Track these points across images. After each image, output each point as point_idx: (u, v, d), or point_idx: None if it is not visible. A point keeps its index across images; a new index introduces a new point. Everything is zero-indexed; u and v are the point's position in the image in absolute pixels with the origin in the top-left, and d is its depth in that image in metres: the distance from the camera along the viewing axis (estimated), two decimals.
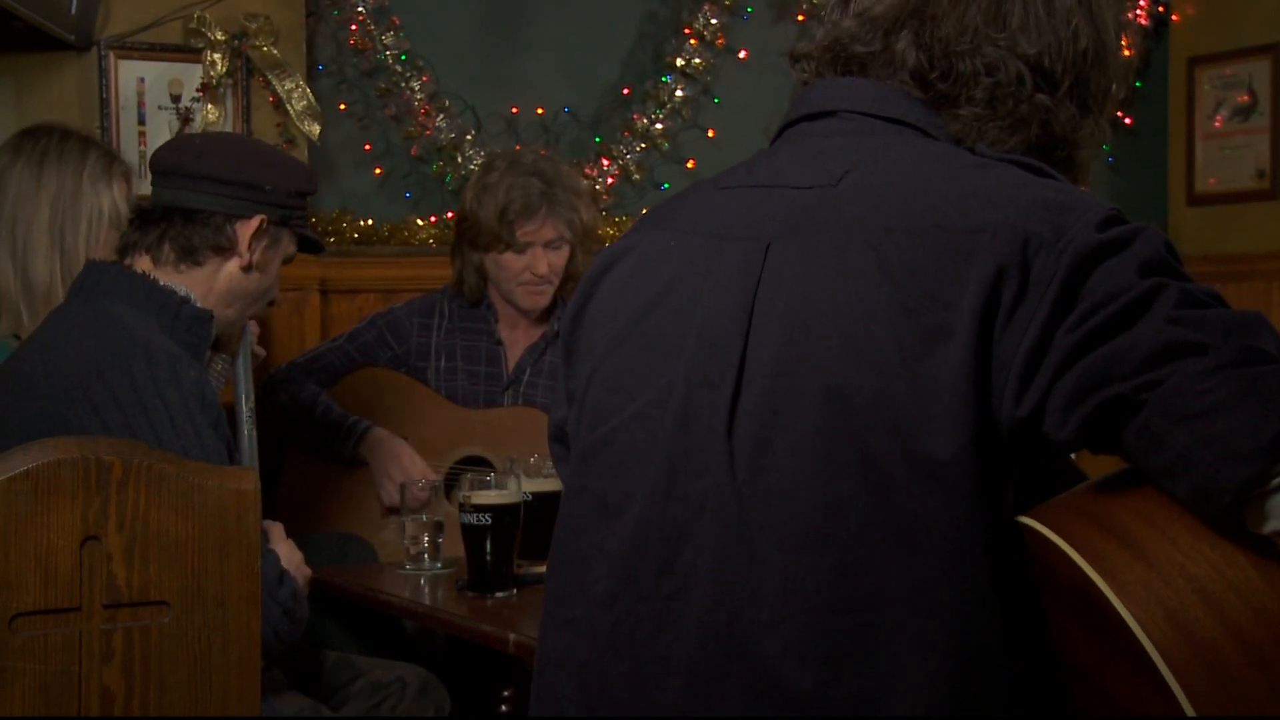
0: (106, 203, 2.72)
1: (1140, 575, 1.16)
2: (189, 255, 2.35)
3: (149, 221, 2.37)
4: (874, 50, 1.45)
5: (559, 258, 3.37)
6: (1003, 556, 1.26)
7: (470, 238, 3.40)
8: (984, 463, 1.25)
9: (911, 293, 1.28)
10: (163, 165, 2.39)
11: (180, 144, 2.45)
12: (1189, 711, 1.11)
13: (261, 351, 3.07)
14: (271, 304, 2.57)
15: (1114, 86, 1.48)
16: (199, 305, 2.33)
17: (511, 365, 3.43)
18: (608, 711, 1.39)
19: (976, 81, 1.41)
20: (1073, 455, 1.38)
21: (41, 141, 2.74)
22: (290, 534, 2.35)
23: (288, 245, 2.46)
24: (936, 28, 1.42)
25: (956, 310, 1.25)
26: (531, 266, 3.34)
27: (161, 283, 2.31)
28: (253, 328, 3.00)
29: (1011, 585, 1.27)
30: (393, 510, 3.18)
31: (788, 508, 1.30)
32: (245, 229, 2.37)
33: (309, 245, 2.54)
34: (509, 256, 3.35)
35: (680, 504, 1.37)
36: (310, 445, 3.31)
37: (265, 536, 2.17)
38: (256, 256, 2.39)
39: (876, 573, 1.26)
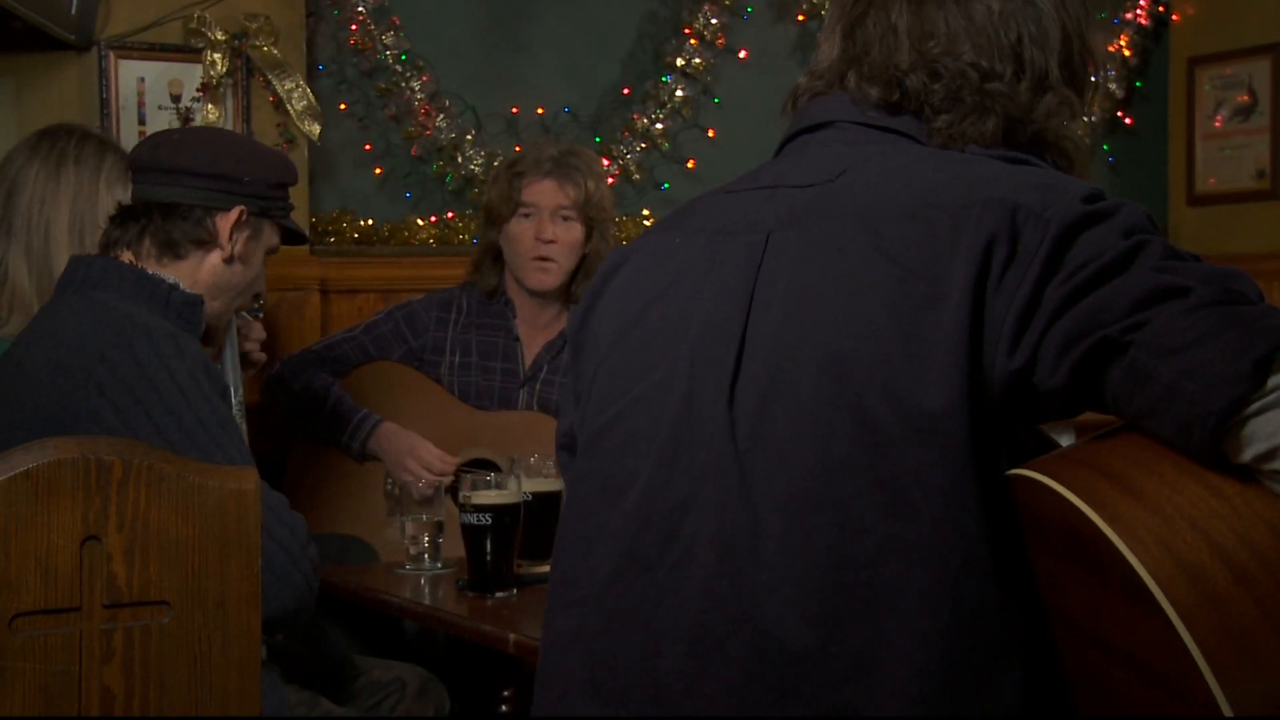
0: None
1: (1130, 507, 1.22)
2: (170, 249, 2.34)
3: (129, 218, 2.37)
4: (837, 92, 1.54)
5: (567, 231, 3.34)
6: (997, 516, 1.30)
7: (487, 211, 3.42)
8: (976, 419, 1.29)
9: (907, 268, 1.34)
10: (140, 161, 2.39)
11: (158, 140, 2.44)
12: (1180, 629, 1.17)
13: (262, 357, 3.05)
14: (259, 300, 2.56)
15: (1064, 53, 1.52)
16: (188, 291, 2.33)
17: (528, 362, 3.42)
18: (614, 687, 1.41)
19: (929, 90, 1.48)
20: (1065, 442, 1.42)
21: (59, 143, 2.73)
22: None
23: (270, 236, 2.45)
24: (872, 60, 1.51)
25: (950, 279, 1.31)
26: (538, 231, 3.32)
27: (149, 271, 2.31)
28: (259, 332, 3.00)
29: (1006, 544, 1.31)
30: (424, 501, 3.15)
31: (786, 471, 1.34)
32: (225, 221, 2.36)
33: (292, 236, 2.54)
34: (517, 224, 3.35)
35: (684, 476, 1.40)
36: (319, 436, 3.29)
37: (283, 502, 2.15)
38: (238, 248, 2.38)
39: (874, 531, 1.30)
